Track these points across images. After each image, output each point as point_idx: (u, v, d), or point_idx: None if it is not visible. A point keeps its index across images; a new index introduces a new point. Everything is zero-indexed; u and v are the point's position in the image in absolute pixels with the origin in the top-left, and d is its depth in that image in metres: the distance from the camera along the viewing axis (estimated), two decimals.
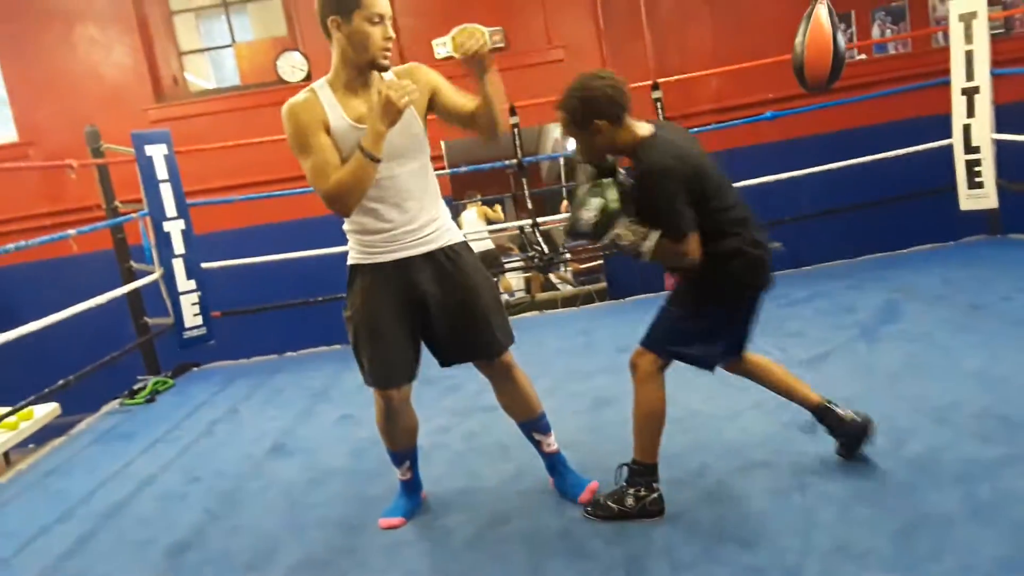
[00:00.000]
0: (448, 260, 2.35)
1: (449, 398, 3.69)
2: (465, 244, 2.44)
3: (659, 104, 5.36)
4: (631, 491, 2.33)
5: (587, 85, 2.23)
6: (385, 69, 2.23)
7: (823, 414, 2.42)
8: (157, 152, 4.70)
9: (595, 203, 2.21)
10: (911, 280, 4.44)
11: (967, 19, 4.70)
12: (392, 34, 2.19)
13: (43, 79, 6.31)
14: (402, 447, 2.60)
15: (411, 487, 2.66)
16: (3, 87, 6.40)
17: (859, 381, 3.08)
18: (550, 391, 3.49)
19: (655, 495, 2.33)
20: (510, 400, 2.57)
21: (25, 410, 3.84)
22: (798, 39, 3.57)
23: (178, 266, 4.79)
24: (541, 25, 6.41)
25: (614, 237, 2.22)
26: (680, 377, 3.46)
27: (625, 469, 2.38)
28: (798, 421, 2.74)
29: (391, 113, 2.07)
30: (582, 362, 3.96)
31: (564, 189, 6.83)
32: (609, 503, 2.36)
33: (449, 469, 2.92)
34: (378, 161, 2.12)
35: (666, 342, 2.37)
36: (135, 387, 4.57)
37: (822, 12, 3.51)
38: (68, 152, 5.03)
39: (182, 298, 4.81)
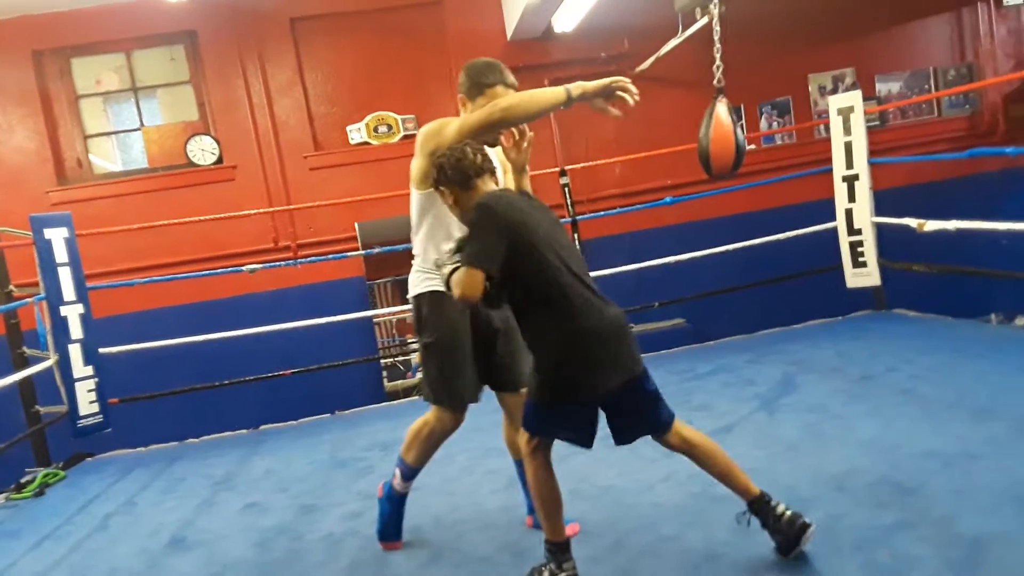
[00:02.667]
0: None
1: (361, 481, 3.61)
2: None
3: (567, 189, 5.57)
4: (545, 571, 2.33)
5: (438, 156, 2.38)
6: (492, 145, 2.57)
7: (759, 508, 2.33)
8: (57, 235, 4.56)
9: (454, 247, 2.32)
10: (806, 353, 4.66)
11: (845, 113, 5.10)
12: None
13: None
14: (424, 464, 2.77)
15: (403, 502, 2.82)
16: None
17: (762, 451, 3.18)
18: (467, 469, 3.48)
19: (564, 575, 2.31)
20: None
21: None
22: (702, 132, 3.84)
23: (75, 351, 4.60)
24: (453, 112, 6.52)
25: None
26: (591, 452, 3.52)
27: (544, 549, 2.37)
28: (709, 492, 2.81)
29: (611, 84, 2.59)
30: (498, 440, 3.91)
31: None
32: None
33: (359, 557, 2.83)
34: (572, 100, 2.53)
35: (530, 420, 2.33)
36: (23, 480, 4.31)
37: (721, 109, 3.81)
38: None
39: (78, 385, 4.59)
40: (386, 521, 2.81)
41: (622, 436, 2.38)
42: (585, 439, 2.35)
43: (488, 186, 2.34)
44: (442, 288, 2.53)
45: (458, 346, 2.59)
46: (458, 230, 2.47)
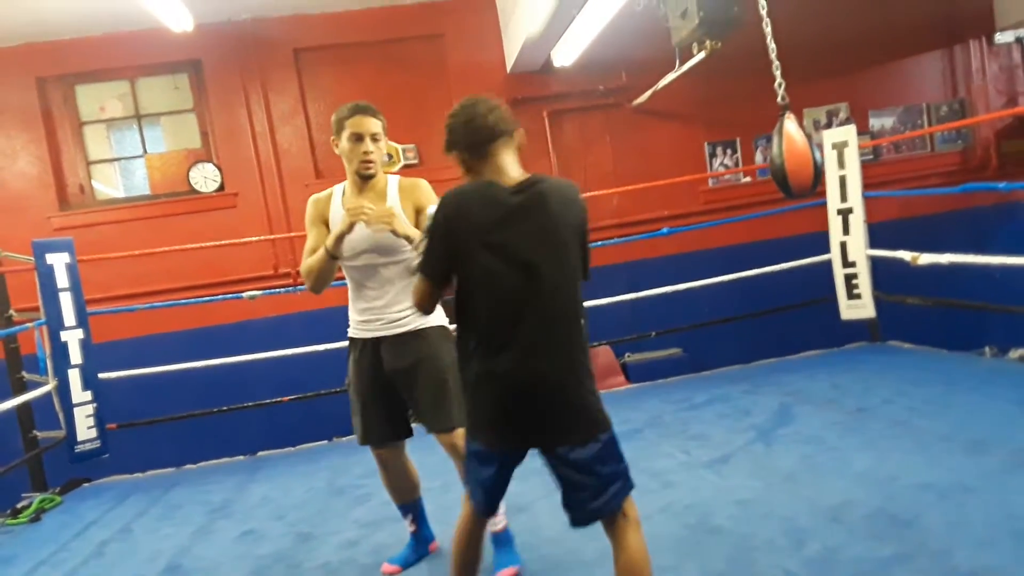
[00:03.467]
0: (414, 339, 2.64)
1: (359, 509, 3.61)
2: (438, 328, 2.69)
3: None
4: None
5: (449, 115, 2.04)
6: (367, 179, 2.63)
7: None
8: (58, 260, 4.59)
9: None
10: (802, 384, 4.69)
11: (839, 147, 5.17)
12: (370, 149, 2.59)
13: None
14: (401, 501, 2.90)
15: (418, 538, 2.91)
16: None
17: (759, 482, 3.20)
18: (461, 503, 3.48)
19: None
20: None
21: None
22: (774, 151, 3.68)
23: (74, 377, 4.61)
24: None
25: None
26: None
27: None
28: (705, 524, 2.83)
29: (345, 224, 2.49)
30: None
31: None
32: None
33: None
34: (335, 258, 2.55)
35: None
36: (19, 505, 4.29)
37: (791, 126, 3.67)
38: None
39: (76, 410, 4.59)
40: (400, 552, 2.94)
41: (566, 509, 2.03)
42: (485, 497, 2.05)
43: (504, 158, 1.96)
44: (354, 334, 2.74)
45: (355, 389, 2.75)
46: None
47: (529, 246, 1.88)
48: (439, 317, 2.72)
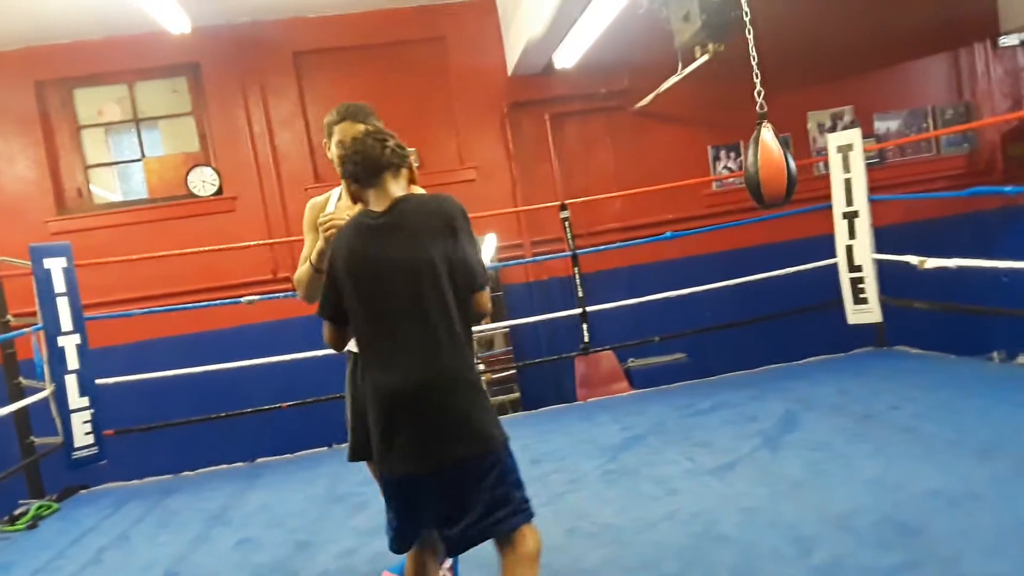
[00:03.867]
0: None
1: (358, 516, 3.56)
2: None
3: (567, 223, 5.58)
4: None
5: (345, 147, 2.13)
6: None
7: None
8: (56, 265, 4.55)
9: None
10: (808, 390, 4.63)
11: (845, 150, 5.13)
12: None
13: None
14: None
15: None
16: None
17: (765, 489, 3.14)
18: None
19: None
20: None
21: None
22: (749, 160, 3.68)
23: (71, 382, 4.56)
24: (455, 147, 6.66)
25: None
26: (591, 488, 3.48)
27: None
28: (711, 532, 2.78)
29: (322, 239, 2.34)
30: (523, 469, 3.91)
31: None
32: None
33: None
34: (319, 271, 2.36)
35: None
36: (16, 512, 4.25)
37: (767, 134, 3.67)
38: None
39: (73, 416, 4.55)
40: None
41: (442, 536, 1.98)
42: (392, 533, 2.02)
43: (389, 187, 2.01)
44: (351, 346, 2.55)
45: (349, 404, 2.61)
46: None
47: (391, 263, 1.91)
48: None
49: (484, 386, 1.93)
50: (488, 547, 1.96)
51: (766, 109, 3.69)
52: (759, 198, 3.69)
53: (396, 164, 2.03)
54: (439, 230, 1.92)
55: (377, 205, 1.99)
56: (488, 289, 2.01)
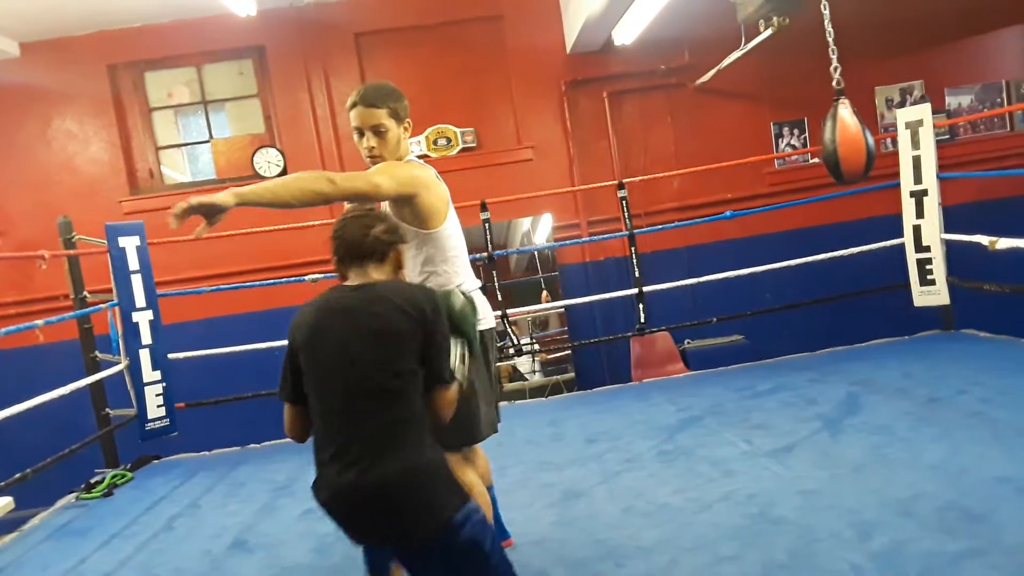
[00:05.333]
0: None
1: None
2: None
3: (624, 202, 5.55)
4: None
5: (336, 223, 2.05)
6: None
7: None
8: (130, 243, 4.73)
9: None
10: (871, 373, 4.54)
11: (913, 127, 4.97)
12: (372, 144, 2.36)
13: (17, 170, 6.37)
14: None
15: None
16: None
17: (824, 472, 3.11)
18: (521, 483, 3.50)
19: None
20: None
21: None
22: (827, 136, 3.70)
23: (144, 356, 4.75)
24: (512, 126, 6.66)
25: None
26: (646, 468, 3.50)
27: None
28: (768, 514, 2.77)
29: None
30: (552, 453, 3.95)
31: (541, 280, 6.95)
32: None
33: None
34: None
35: None
36: (92, 480, 4.44)
37: (844, 111, 3.68)
38: (38, 242, 5.06)
39: (146, 389, 4.74)
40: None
41: None
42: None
43: (370, 273, 1.95)
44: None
45: None
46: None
47: (354, 340, 1.80)
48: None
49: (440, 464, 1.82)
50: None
51: (843, 85, 3.68)
52: (838, 174, 3.70)
53: (380, 252, 1.95)
54: (410, 316, 1.80)
55: (353, 283, 1.94)
56: (454, 388, 1.91)
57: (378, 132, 2.36)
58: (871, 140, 3.61)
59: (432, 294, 1.92)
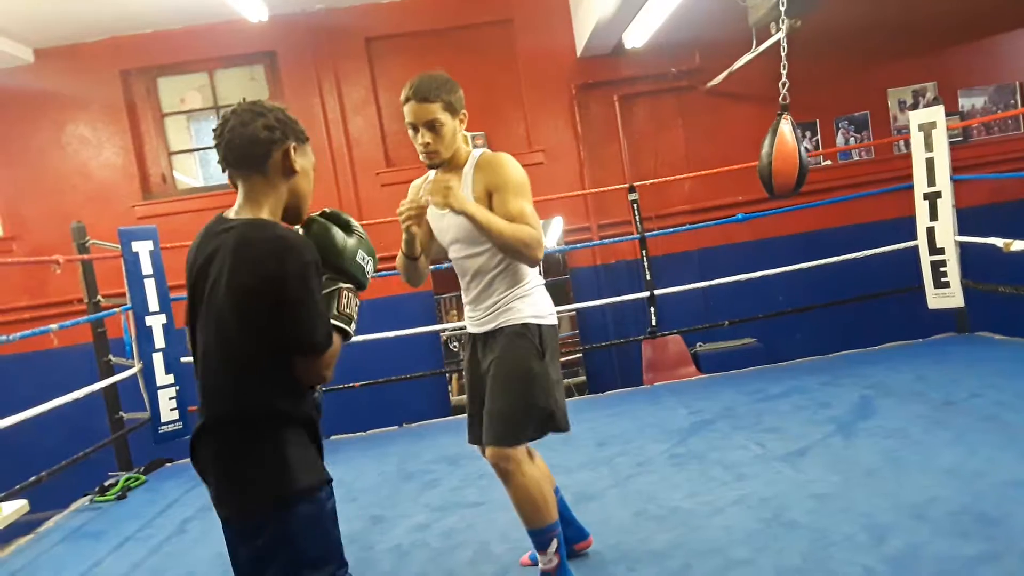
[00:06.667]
0: (494, 339, 2.40)
1: (429, 493, 3.65)
2: (517, 327, 2.36)
3: (635, 205, 5.54)
4: None
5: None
6: (432, 168, 2.41)
7: None
8: (143, 248, 4.76)
9: None
10: (884, 376, 4.52)
11: (927, 129, 4.95)
12: (427, 139, 2.29)
13: (31, 176, 6.42)
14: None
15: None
16: None
17: (837, 476, 3.10)
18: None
19: None
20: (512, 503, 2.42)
21: None
22: (764, 150, 3.83)
23: (157, 360, 4.78)
24: (523, 130, 6.67)
25: None
26: (658, 472, 3.48)
27: None
28: (781, 518, 2.76)
29: (402, 224, 2.33)
30: (562, 456, 3.94)
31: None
32: None
33: (426, 569, 2.86)
34: (410, 257, 2.45)
35: None
36: (106, 483, 4.47)
37: (785, 127, 3.80)
38: (52, 247, 5.10)
39: (160, 392, 4.77)
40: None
41: None
42: None
43: (241, 189, 1.70)
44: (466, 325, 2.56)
45: (466, 383, 2.60)
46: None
47: (203, 292, 1.63)
48: (531, 309, 2.39)
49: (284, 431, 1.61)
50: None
51: (788, 101, 3.85)
52: (769, 188, 3.87)
53: (260, 156, 1.64)
54: (248, 282, 1.53)
55: (234, 210, 1.68)
56: (325, 353, 1.61)
57: (433, 127, 2.28)
58: (805, 156, 3.79)
59: (303, 250, 1.57)
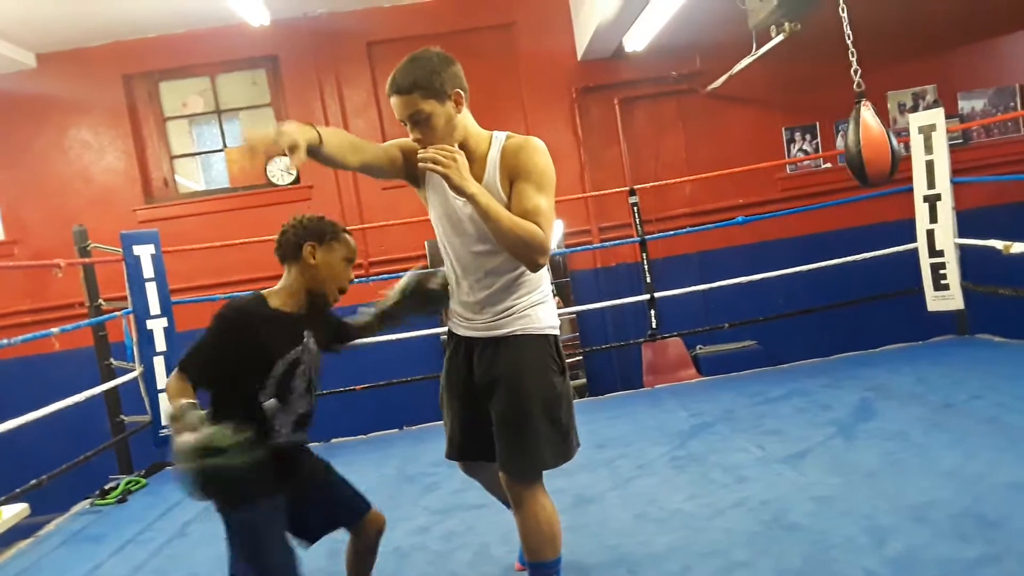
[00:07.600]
0: (503, 348, 2.14)
1: (429, 496, 3.65)
2: (535, 338, 2.15)
3: (636, 208, 5.55)
4: None
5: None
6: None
7: None
8: (144, 252, 4.77)
9: None
10: (885, 379, 4.52)
11: (927, 131, 4.94)
12: (416, 135, 2.08)
13: (33, 180, 6.44)
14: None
15: None
16: None
17: (838, 478, 3.10)
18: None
19: None
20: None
21: None
22: (850, 139, 3.71)
23: (158, 364, 4.79)
24: (523, 133, 6.62)
25: None
26: (658, 474, 3.49)
27: None
28: (782, 521, 2.76)
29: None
30: None
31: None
32: None
33: (426, 571, 2.87)
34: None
35: None
36: (107, 487, 4.47)
37: (867, 113, 3.70)
38: (54, 251, 5.10)
39: (160, 396, 4.77)
40: None
41: None
42: None
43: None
44: (450, 325, 2.33)
45: (443, 390, 2.40)
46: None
47: None
48: (550, 320, 2.19)
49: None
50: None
51: (864, 88, 3.71)
52: (863, 177, 3.71)
53: (289, 253, 2.27)
54: None
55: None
56: (176, 372, 2.05)
57: (418, 120, 2.03)
58: (895, 142, 3.63)
59: (232, 307, 2.15)
